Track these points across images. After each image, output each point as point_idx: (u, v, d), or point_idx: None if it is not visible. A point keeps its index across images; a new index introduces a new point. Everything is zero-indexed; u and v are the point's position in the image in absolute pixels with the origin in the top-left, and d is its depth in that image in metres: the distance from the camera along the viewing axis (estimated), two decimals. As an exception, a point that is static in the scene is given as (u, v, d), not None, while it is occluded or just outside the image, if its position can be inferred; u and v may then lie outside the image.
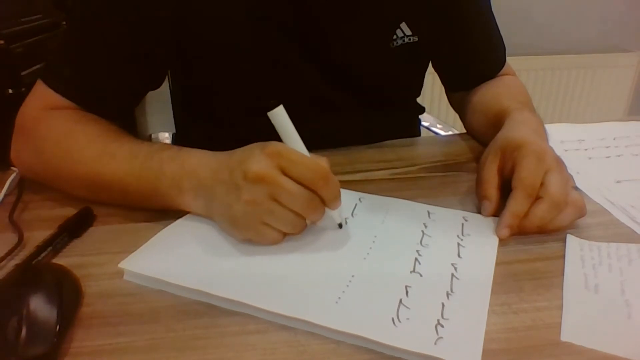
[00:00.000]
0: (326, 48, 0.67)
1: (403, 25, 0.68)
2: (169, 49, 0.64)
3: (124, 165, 0.52)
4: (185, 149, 0.52)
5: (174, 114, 0.96)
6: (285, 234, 0.47)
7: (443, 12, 0.71)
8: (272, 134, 0.46)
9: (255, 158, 0.44)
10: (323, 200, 0.45)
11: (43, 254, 0.46)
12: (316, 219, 0.47)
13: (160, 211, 0.52)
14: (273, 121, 0.45)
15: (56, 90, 0.58)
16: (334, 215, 0.48)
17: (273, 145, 0.45)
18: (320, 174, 0.44)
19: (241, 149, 0.47)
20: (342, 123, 0.72)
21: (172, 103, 0.98)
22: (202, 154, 0.51)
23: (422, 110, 0.87)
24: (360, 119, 0.73)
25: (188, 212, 0.52)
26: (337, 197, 0.46)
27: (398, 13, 0.68)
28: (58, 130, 0.56)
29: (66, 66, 0.59)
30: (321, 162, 0.45)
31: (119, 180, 0.52)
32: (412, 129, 0.89)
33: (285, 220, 0.45)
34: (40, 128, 0.58)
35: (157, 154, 0.52)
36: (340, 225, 0.50)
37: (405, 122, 0.87)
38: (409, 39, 0.69)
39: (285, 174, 0.43)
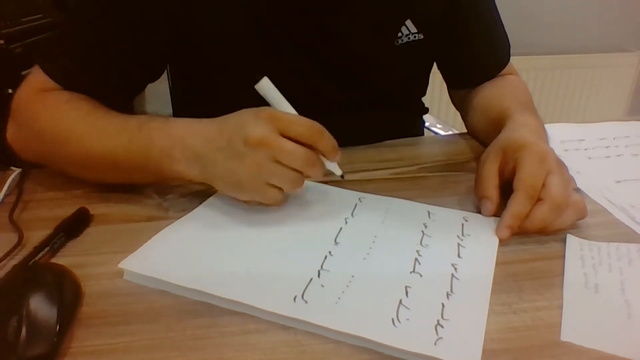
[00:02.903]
0: (330, 45, 0.66)
1: (408, 23, 0.68)
2: (168, 39, 0.63)
3: (113, 139, 0.53)
4: (172, 118, 0.54)
5: (173, 111, 0.95)
6: (284, 195, 0.50)
7: (447, 10, 0.70)
8: None
9: (253, 124, 0.47)
10: (322, 154, 0.49)
11: (40, 254, 0.46)
12: (315, 174, 0.49)
13: (160, 211, 0.52)
14: (261, 93, 0.49)
15: (53, 78, 0.59)
16: (334, 168, 0.52)
17: (266, 109, 0.48)
18: (315, 129, 0.48)
19: (231, 116, 0.50)
20: (345, 121, 0.71)
21: (171, 101, 0.97)
22: (189, 123, 0.52)
23: (425, 110, 0.87)
24: (364, 117, 0.73)
25: (187, 182, 0.54)
26: (335, 148, 0.50)
27: (403, 10, 0.68)
28: (50, 110, 0.57)
29: (64, 54, 0.60)
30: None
31: (109, 154, 0.53)
32: (416, 128, 0.89)
33: (287, 178, 0.48)
34: (33, 108, 0.58)
35: (146, 125, 0.53)
36: (342, 176, 0.53)
37: (409, 121, 0.86)
38: (414, 37, 0.69)
39: (283, 135, 0.46)
